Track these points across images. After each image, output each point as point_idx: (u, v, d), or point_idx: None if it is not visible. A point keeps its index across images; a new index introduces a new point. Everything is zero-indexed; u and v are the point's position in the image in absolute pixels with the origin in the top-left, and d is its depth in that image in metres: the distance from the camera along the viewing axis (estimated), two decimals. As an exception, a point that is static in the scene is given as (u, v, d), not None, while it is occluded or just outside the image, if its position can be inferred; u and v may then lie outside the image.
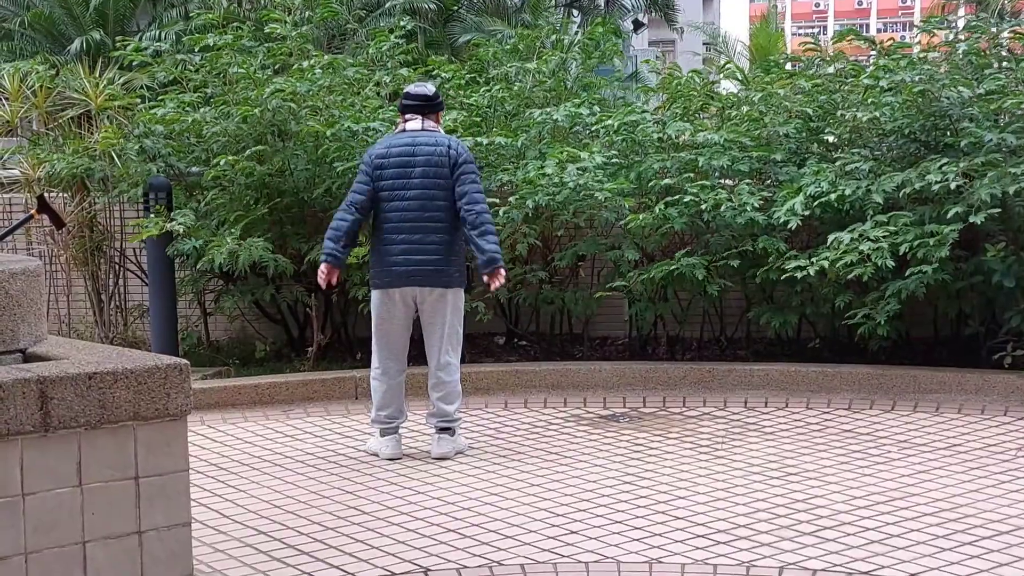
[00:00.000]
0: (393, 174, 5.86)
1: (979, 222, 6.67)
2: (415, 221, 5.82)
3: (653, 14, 23.85)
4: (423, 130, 5.95)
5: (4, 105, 8.54)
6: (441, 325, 5.92)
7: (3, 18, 18.72)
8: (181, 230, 7.42)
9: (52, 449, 3.29)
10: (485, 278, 5.92)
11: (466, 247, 6.01)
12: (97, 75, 8.58)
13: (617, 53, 9.42)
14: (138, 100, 8.45)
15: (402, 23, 9.22)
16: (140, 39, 12.99)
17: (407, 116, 6.01)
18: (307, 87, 7.88)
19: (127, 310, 8.60)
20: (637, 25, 25.16)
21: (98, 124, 8.39)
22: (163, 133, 8.12)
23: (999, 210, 6.76)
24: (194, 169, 8.22)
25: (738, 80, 9.00)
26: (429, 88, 6.13)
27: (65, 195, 8.28)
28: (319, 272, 6.02)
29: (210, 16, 8.68)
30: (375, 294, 5.96)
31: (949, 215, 6.72)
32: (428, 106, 6.01)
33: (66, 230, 8.00)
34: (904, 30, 66.52)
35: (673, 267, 7.21)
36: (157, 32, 16.00)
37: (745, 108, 8.04)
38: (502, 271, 5.87)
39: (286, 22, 8.50)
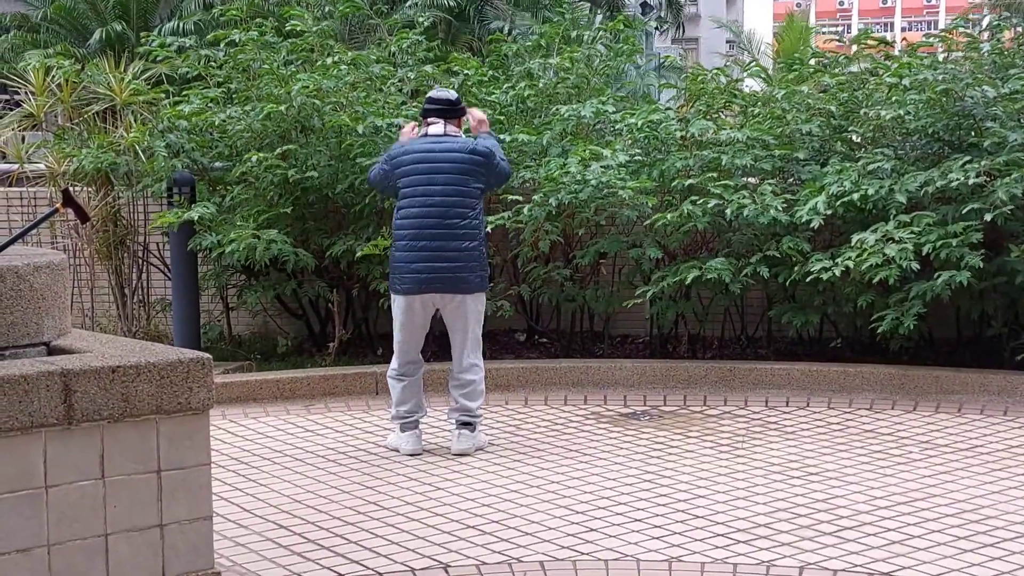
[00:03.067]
0: (415, 180, 5.86)
1: (993, 219, 6.63)
2: (436, 228, 5.82)
3: (674, 12, 23.80)
4: (445, 135, 5.97)
5: (30, 100, 8.59)
6: (463, 330, 5.94)
7: (28, 13, 18.85)
8: (196, 216, 7.45)
9: (75, 442, 3.31)
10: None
11: (487, 250, 6.05)
12: (121, 70, 8.61)
13: (638, 50, 9.41)
14: (162, 95, 8.49)
15: (421, 19, 9.21)
16: (160, 31, 13.03)
17: (430, 120, 6.02)
18: (333, 83, 7.89)
19: (150, 304, 8.64)
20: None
21: (122, 119, 8.43)
22: (186, 128, 8.15)
23: (1011, 208, 6.71)
24: (217, 164, 8.26)
25: (762, 79, 8.97)
26: (452, 93, 6.17)
27: (89, 189, 8.32)
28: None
29: (234, 12, 8.70)
30: (396, 299, 5.97)
31: (965, 211, 6.69)
32: (450, 111, 6.04)
33: (90, 224, 8.04)
34: (929, 28, 66.08)
35: (699, 274, 7.16)
36: (176, 24, 16.04)
37: (770, 105, 8.01)
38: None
39: (307, 17, 8.52)
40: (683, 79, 9.81)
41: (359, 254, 7.35)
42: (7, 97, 9.40)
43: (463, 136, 6.08)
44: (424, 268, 5.82)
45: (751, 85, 9.65)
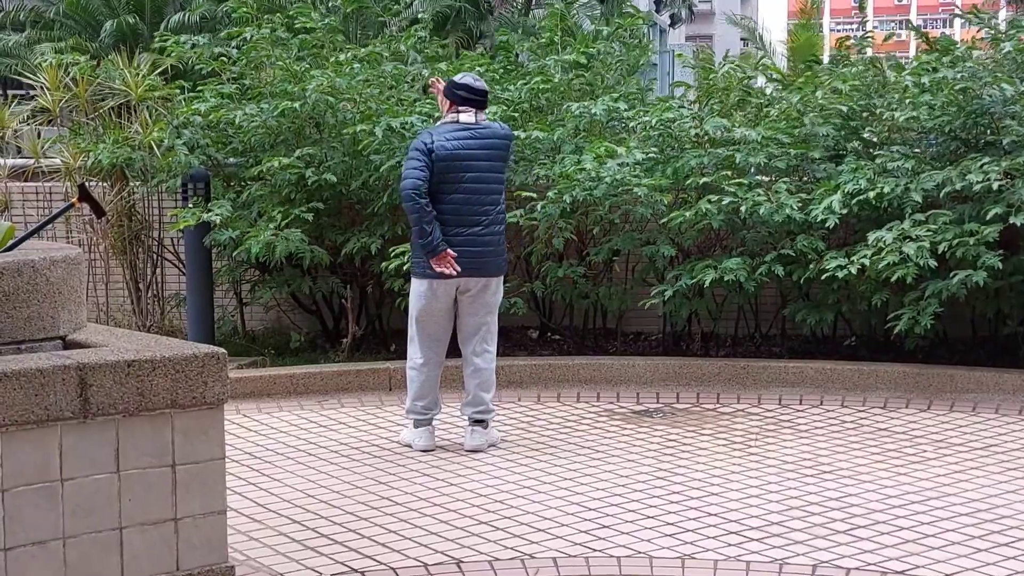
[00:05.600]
0: (453, 167, 5.81)
1: (1020, 223, 6.60)
2: (475, 214, 5.84)
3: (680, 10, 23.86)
4: (478, 124, 5.95)
5: (45, 94, 8.61)
6: (485, 314, 5.95)
7: (42, 11, 18.93)
8: (218, 220, 7.48)
9: (91, 435, 3.32)
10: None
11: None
12: (135, 65, 8.63)
13: (647, 47, 9.41)
14: (177, 91, 8.51)
15: (422, 14, 9.23)
16: (167, 24, 13.05)
17: (462, 108, 5.96)
18: (346, 81, 7.90)
19: (164, 299, 8.67)
20: (674, 20, 25.11)
21: (137, 114, 8.45)
22: (201, 124, 8.16)
23: None
24: (231, 160, 8.27)
25: (775, 80, 8.91)
26: (485, 84, 6.17)
27: (105, 184, 8.34)
28: (445, 263, 5.74)
29: (245, 9, 8.70)
30: (420, 283, 5.90)
31: (989, 216, 6.65)
32: (486, 102, 6.09)
33: (105, 219, 8.06)
34: (944, 26, 65.81)
35: (716, 275, 7.14)
36: (184, 17, 16.08)
37: (783, 105, 7.98)
38: None
39: (315, 15, 8.55)
40: (696, 73, 9.73)
41: (392, 265, 7.30)
42: (23, 92, 9.42)
43: (490, 122, 6.13)
44: (461, 252, 5.80)
45: (764, 82, 9.58)
